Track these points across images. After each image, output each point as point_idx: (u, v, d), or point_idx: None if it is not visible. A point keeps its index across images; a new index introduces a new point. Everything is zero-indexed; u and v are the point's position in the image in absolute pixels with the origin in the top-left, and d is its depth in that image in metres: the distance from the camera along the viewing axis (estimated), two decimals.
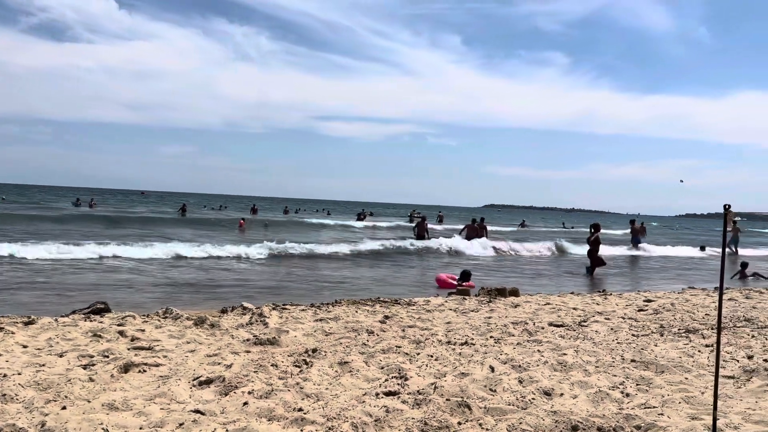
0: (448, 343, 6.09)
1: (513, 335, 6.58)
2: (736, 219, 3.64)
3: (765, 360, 5.37)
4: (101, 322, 6.66)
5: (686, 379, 4.79)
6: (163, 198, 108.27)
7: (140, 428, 3.50)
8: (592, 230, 17.03)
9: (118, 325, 6.54)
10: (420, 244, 23.04)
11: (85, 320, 6.80)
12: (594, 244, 16.64)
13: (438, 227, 34.86)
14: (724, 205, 3.42)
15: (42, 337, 5.87)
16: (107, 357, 5.10)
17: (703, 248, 28.94)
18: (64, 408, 3.78)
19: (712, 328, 6.99)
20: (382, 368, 5.02)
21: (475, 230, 25.74)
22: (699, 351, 5.82)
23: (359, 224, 42.87)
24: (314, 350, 5.50)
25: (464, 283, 12.51)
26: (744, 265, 16.85)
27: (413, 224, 31.78)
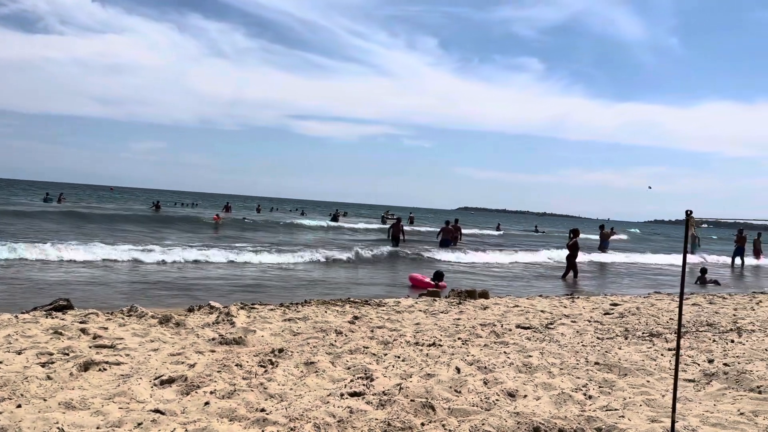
0: (416, 344, 6.09)
1: (481, 337, 6.61)
2: (703, 225, 3.70)
3: (725, 364, 5.47)
4: (63, 320, 6.52)
5: (648, 382, 4.85)
6: (133, 194, 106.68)
7: (97, 428, 3.43)
8: (571, 235, 17.15)
9: (81, 322, 6.41)
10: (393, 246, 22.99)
11: (47, 317, 6.65)
12: (573, 248, 16.76)
13: (407, 228, 34.89)
14: (686, 211, 3.47)
15: (0, 333, 5.72)
16: (67, 355, 4.99)
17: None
18: (19, 406, 3.69)
19: (675, 332, 7.10)
20: (349, 369, 5.00)
21: (450, 232, 25.94)
22: (662, 354, 5.91)
23: (333, 224, 42.82)
24: (281, 350, 5.46)
25: (438, 284, 12.79)
26: (703, 270, 17.21)
27: (387, 225, 31.80)
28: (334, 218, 48.41)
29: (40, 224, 24.81)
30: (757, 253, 27.51)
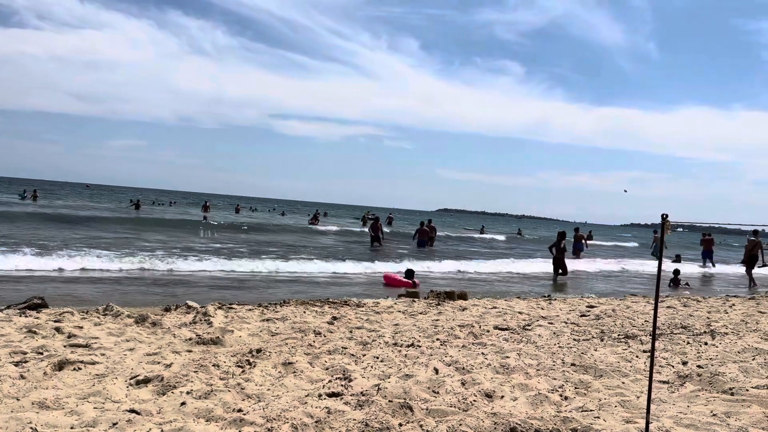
0: (395, 344, 6.10)
1: (459, 338, 6.64)
2: (678, 229, 3.77)
3: (698, 366, 5.55)
4: (37, 318, 6.42)
5: (623, 383, 4.91)
6: (110, 192, 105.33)
7: (71, 428, 3.38)
8: (559, 238, 17.67)
9: (55, 321, 6.32)
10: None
11: (20, 316, 6.55)
12: (560, 252, 17.30)
13: (386, 229, 34.81)
14: (662, 215, 3.52)
15: None
16: (41, 354, 4.92)
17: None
18: None
19: (650, 335, 7.20)
20: (327, 369, 4.99)
21: (426, 233, 26.04)
22: (637, 356, 5.98)
23: (315, 227, 42.44)
24: (258, 350, 5.43)
25: (412, 280, 13.19)
26: (676, 272, 17.48)
27: (367, 226, 31.68)
28: (313, 221, 47.90)
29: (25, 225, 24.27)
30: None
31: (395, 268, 15.81)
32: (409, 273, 13.76)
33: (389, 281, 13.44)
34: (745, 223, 3.94)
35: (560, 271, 17.30)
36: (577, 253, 26.38)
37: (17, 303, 7.24)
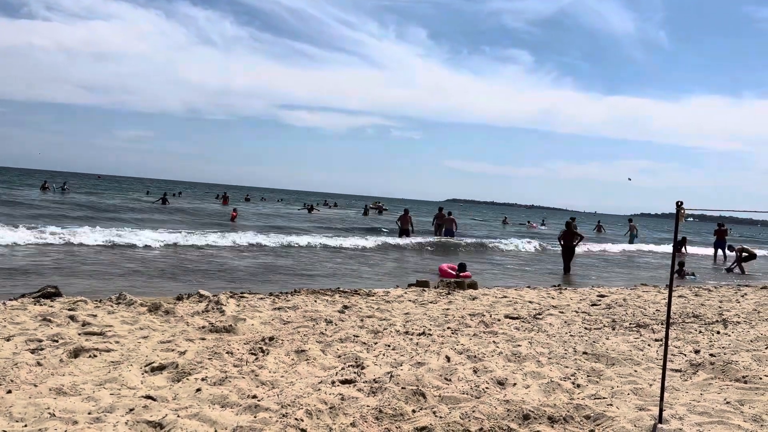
0: (406, 333, 6.12)
1: (470, 326, 6.64)
2: (689, 218, 3.75)
3: (711, 354, 5.54)
4: (51, 307, 6.48)
5: (635, 371, 4.91)
6: (121, 183, 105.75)
7: (89, 413, 3.42)
8: (566, 228, 17.49)
9: (69, 309, 6.38)
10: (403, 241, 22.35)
11: (35, 304, 6.61)
12: (571, 240, 17.16)
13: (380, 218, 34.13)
14: (677, 202, 3.50)
15: None
16: (56, 342, 4.97)
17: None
18: (9, 392, 3.68)
19: (662, 323, 7.19)
20: (339, 357, 5.02)
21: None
22: (648, 345, 5.97)
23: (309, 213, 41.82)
24: (271, 338, 5.46)
25: (461, 274, 13.48)
26: (681, 264, 17.41)
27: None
28: (309, 210, 47.36)
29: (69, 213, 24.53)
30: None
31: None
32: (462, 266, 14.04)
33: (443, 274, 13.77)
34: (759, 210, 3.91)
35: (569, 261, 17.08)
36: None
37: (31, 292, 7.30)
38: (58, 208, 28.58)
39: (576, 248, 17.20)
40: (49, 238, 14.85)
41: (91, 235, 15.75)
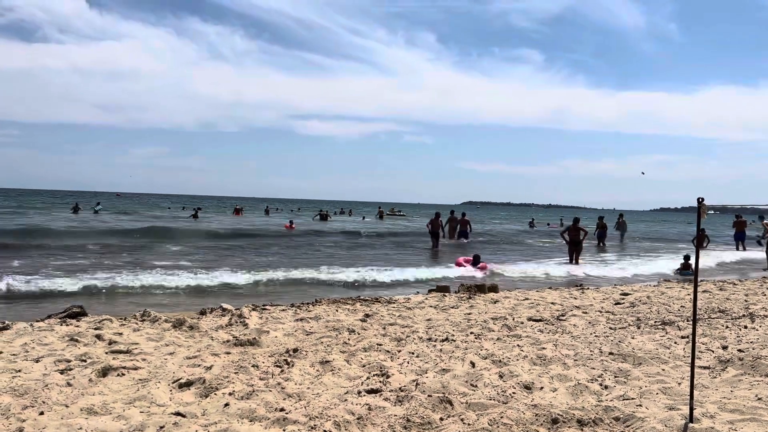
0: (429, 339, 6.11)
1: (493, 331, 6.62)
2: (710, 212, 3.72)
3: (739, 350, 5.47)
4: (78, 326, 6.56)
5: (663, 370, 4.86)
6: (140, 199, 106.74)
7: None
8: (573, 225, 18.83)
9: (95, 328, 6.45)
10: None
11: (61, 325, 6.69)
12: (577, 235, 18.44)
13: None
14: (698, 198, 3.48)
15: (17, 342, 5.76)
16: (85, 361, 5.03)
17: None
18: (41, 413, 3.73)
19: (688, 320, 7.11)
20: (364, 366, 5.02)
21: (456, 220, 25.52)
22: (675, 342, 5.91)
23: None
24: (295, 350, 5.49)
25: (477, 265, 15.09)
26: (686, 257, 17.16)
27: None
28: (322, 217, 47.07)
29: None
30: None
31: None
32: (476, 258, 15.44)
33: (459, 266, 15.19)
34: None
35: (575, 254, 18.30)
36: (601, 240, 26.24)
37: (57, 312, 7.40)
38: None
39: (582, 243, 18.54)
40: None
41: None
